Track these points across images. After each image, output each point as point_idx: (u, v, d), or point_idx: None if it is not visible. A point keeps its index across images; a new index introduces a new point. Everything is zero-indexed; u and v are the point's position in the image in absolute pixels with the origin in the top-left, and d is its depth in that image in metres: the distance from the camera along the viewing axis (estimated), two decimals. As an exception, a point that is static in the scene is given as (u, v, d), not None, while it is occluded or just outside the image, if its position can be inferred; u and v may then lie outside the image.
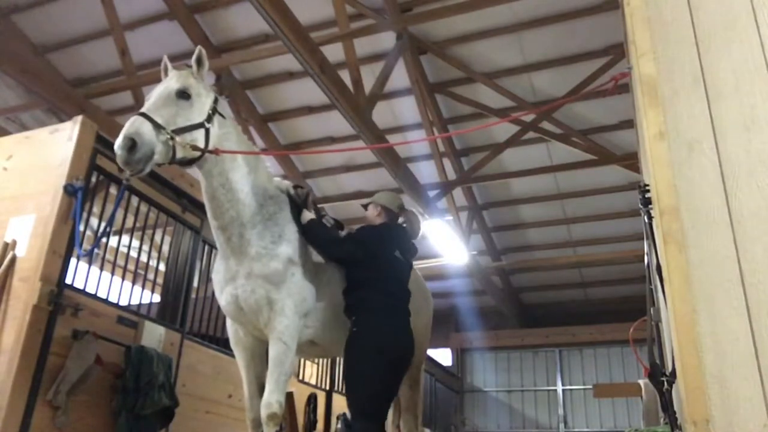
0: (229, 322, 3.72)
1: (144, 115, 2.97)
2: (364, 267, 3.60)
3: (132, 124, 2.90)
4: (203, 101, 3.25)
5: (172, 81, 3.22)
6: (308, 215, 3.67)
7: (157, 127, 2.95)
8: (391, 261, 3.69)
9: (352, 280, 3.64)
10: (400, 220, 3.99)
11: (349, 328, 3.54)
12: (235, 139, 3.43)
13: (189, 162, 3.21)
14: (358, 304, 3.55)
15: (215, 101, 3.33)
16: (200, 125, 3.17)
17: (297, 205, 3.71)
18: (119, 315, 4.31)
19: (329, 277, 3.68)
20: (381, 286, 3.57)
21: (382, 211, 3.94)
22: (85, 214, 4.19)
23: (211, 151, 3.22)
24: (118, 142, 2.85)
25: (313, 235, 3.63)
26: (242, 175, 3.41)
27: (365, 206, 4.09)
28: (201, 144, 3.16)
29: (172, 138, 3.00)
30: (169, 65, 3.37)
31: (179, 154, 3.07)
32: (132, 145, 2.85)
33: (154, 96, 3.15)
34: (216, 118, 3.29)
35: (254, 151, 3.74)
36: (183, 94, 3.16)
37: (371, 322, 3.48)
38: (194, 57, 3.33)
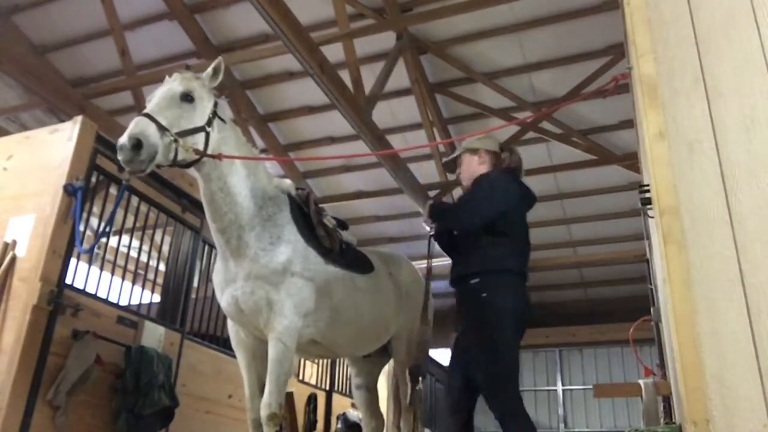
0: (230, 323, 3.72)
1: (148, 116, 2.99)
2: (503, 224, 3.14)
3: (137, 125, 2.92)
4: (205, 105, 3.27)
5: (175, 83, 3.23)
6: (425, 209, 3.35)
7: (161, 128, 2.97)
8: (522, 218, 3.23)
9: (486, 235, 3.15)
10: (504, 157, 3.34)
11: (473, 287, 3.11)
12: (234, 143, 3.43)
13: (187, 165, 3.22)
14: (495, 262, 3.11)
15: (215, 105, 3.34)
16: (201, 129, 3.19)
17: (298, 206, 3.71)
18: (119, 315, 4.31)
19: (331, 276, 3.68)
20: (522, 246, 3.16)
21: (485, 156, 3.33)
22: (85, 214, 4.19)
23: (213, 156, 3.22)
24: (123, 141, 2.87)
25: (442, 219, 3.34)
26: (240, 179, 3.41)
27: (452, 163, 3.47)
28: (201, 147, 3.17)
29: (175, 140, 3.01)
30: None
31: (180, 156, 3.09)
32: (137, 144, 2.87)
33: (157, 97, 3.16)
34: (216, 122, 3.30)
35: (253, 154, 3.75)
36: (187, 97, 3.18)
37: (511, 284, 3.09)
38: (213, 66, 3.37)
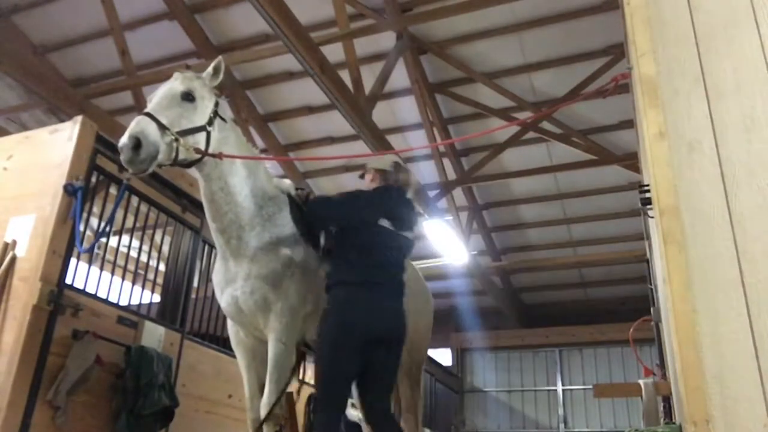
0: (230, 323, 3.72)
1: (149, 115, 2.98)
2: (341, 236, 3.36)
3: (138, 124, 2.92)
4: (206, 104, 3.26)
5: (176, 83, 3.22)
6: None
7: (162, 128, 2.97)
8: (375, 230, 3.32)
9: (331, 250, 3.40)
10: (389, 176, 3.56)
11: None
12: (235, 142, 3.43)
13: (188, 164, 3.22)
14: (331, 276, 3.29)
15: (216, 105, 3.34)
16: (202, 128, 3.19)
17: (298, 206, 3.71)
18: (119, 315, 4.31)
19: None
20: (359, 257, 3.25)
21: (376, 174, 3.60)
22: (85, 214, 4.19)
23: (214, 155, 3.22)
24: (124, 141, 2.87)
25: (309, 212, 3.51)
26: (241, 179, 3.41)
27: (361, 177, 3.75)
28: (202, 147, 3.17)
29: (176, 140, 3.01)
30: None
31: (181, 156, 3.09)
32: (137, 144, 2.86)
33: (158, 96, 3.16)
34: (217, 122, 3.30)
35: (253, 153, 3.75)
36: (188, 96, 3.17)
37: (341, 296, 3.20)
38: (213, 65, 3.36)
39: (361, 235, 3.33)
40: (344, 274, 3.27)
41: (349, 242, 3.33)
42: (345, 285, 3.25)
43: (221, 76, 3.38)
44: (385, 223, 3.37)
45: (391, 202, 3.44)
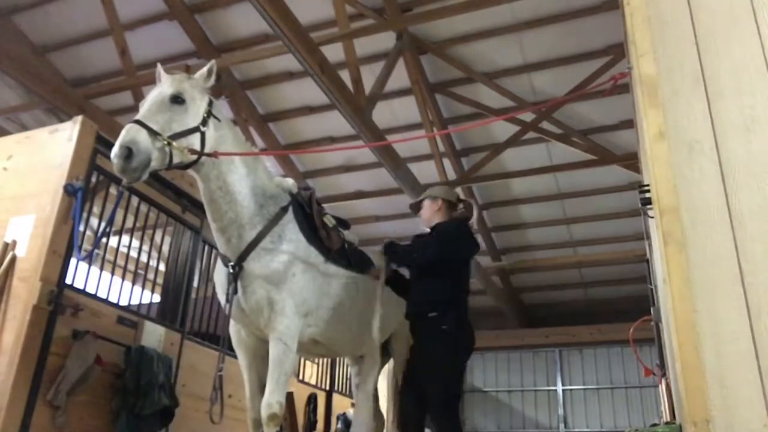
0: (231, 323, 3.72)
1: (139, 122, 2.95)
2: (452, 265, 3.57)
3: (127, 133, 2.89)
4: (198, 105, 3.23)
5: (165, 86, 3.20)
6: (379, 253, 3.81)
7: (153, 133, 2.94)
8: (469, 259, 3.73)
9: (441, 276, 3.58)
10: (459, 209, 3.83)
11: (432, 320, 3.52)
12: (232, 141, 3.42)
13: (186, 166, 3.21)
14: (447, 301, 3.54)
15: (210, 104, 3.31)
16: (196, 129, 3.16)
17: (300, 205, 3.71)
18: (119, 315, 4.31)
19: (332, 275, 3.67)
20: (464, 286, 3.61)
21: (443, 205, 3.77)
22: (85, 214, 4.19)
23: (209, 154, 3.21)
24: (114, 151, 2.84)
25: (396, 258, 3.74)
26: (240, 177, 3.40)
27: (417, 205, 3.91)
28: (197, 148, 3.15)
29: (168, 144, 2.99)
30: (162, 71, 3.35)
31: (176, 159, 3.07)
32: (128, 153, 2.83)
33: (148, 102, 3.14)
34: (211, 121, 3.28)
35: (252, 152, 3.74)
36: (177, 99, 3.14)
37: (459, 321, 3.53)
38: (206, 68, 3.34)
39: (466, 267, 3.69)
40: (459, 302, 3.59)
41: (460, 271, 3.63)
42: (460, 311, 3.58)
43: (214, 78, 3.35)
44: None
45: (471, 236, 3.74)
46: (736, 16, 2.15)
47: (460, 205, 3.86)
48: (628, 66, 2.94)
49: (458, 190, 4.07)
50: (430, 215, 3.75)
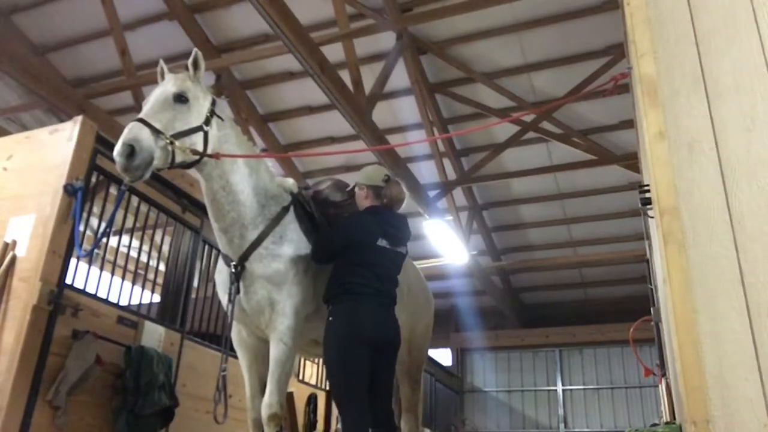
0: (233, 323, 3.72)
1: (142, 120, 2.95)
2: (345, 256, 3.46)
3: (130, 131, 2.88)
4: (201, 104, 3.22)
5: (168, 85, 3.19)
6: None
7: (156, 132, 2.93)
8: (374, 249, 3.49)
9: (334, 268, 3.49)
10: (384, 192, 3.67)
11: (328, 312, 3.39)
12: (235, 140, 3.42)
13: (188, 165, 3.20)
14: (334, 291, 3.40)
15: (213, 103, 3.31)
16: (198, 128, 3.15)
17: (302, 205, 3.70)
18: (119, 315, 4.31)
19: None
20: (361, 273, 3.40)
21: (369, 191, 3.69)
22: (85, 214, 4.19)
23: (211, 155, 3.20)
24: (117, 149, 2.84)
25: (316, 252, 3.56)
26: (242, 177, 3.40)
27: (352, 190, 3.82)
28: (200, 147, 3.14)
29: (171, 143, 2.98)
30: (166, 69, 3.34)
31: (179, 159, 3.06)
32: (131, 151, 2.83)
33: (151, 100, 3.13)
34: (214, 121, 3.27)
35: (254, 152, 3.73)
36: (180, 98, 3.13)
37: (345, 309, 3.33)
38: (190, 60, 3.29)
39: (365, 253, 3.47)
40: (350, 286, 3.37)
41: (355, 260, 3.44)
42: (352, 295, 3.35)
43: (202, 66, 3.31)
44: (382, 242, 3.51)
45: (385, 223, 3.56)
46: (736, 16, 2.15)
47: (385, 190, 3.71)
48: (628, 66, 2.94)
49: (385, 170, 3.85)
50: (361, 203, 3.69)
